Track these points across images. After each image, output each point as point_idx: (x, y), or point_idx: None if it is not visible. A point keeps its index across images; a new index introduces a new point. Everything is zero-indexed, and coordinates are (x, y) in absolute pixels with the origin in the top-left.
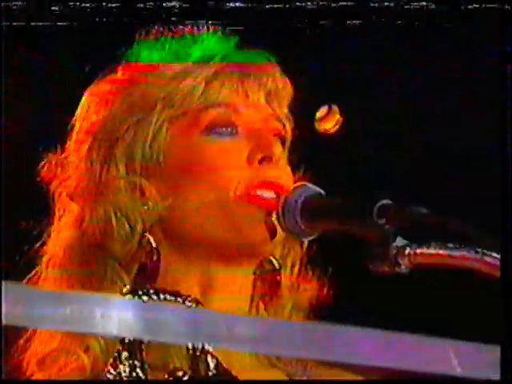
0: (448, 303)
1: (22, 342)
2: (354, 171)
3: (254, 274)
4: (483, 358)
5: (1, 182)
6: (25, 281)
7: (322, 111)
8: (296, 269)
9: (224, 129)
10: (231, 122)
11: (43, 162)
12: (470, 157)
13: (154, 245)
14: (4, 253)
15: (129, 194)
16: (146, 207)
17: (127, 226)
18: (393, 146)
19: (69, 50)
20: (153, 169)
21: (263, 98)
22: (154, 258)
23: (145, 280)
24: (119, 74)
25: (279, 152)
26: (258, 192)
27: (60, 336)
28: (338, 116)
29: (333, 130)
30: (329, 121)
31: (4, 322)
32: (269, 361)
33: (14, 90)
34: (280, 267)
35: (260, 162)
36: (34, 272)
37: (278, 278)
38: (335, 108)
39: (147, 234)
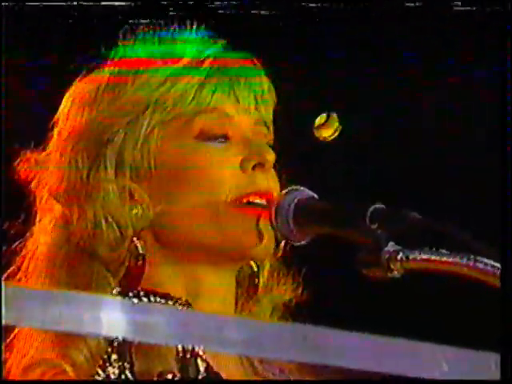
0: (432, 306)
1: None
2: (346, 175)
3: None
4: (481, 365)
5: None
6: (2, 279)
7: (320, 119)
8: (273, 270)
9: (216, 134)
10: (223, 127)
11: (20, 160)
12: (467, 163)
13: (140, 250)
14: None
15: (118, 198)
16: (135, 212)
17: (117, 231)
18: (386, 149)
19: (51, 45)
20: (143, 173)
21: (253, 102)
22: (139, 263)
23: (129, 284)
24: (105, 72)
25: (272, 159)
26: (251, 199)
27: (37, 346)
28: (337, 124)
29: (332, 138)
30: (328, 128)
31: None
32: (251, 365)
33: None
34: (258, 269)
35: (253, 168)
36: (10, 270)
37: (257, 280)
38: (334, 116)
39: (135, 239)
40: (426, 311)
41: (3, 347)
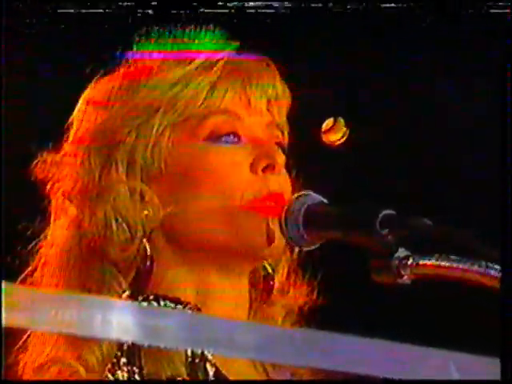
0: (445, 312)
1: (15, 351)
2: (356, 180)
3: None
4: (483, 370)
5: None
6: (18, 280)
7: (327, 123)
8: (287, 273)
9: (227, 136)
10: (234, 129)
11: (37, 161)
12: (477, 166)
13: (148, 252)
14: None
15: (129, 199)
16: (146, 213)
17: (127, 231)
18: (396, 156)
19: (67, 48)
20: (154, 174)
21: (265, 105)
22: (148, 264)
23: (138, 286)
24: (120, 74)
25: (282, 160)
26: (263, 204)
27: (52, 345)
28: (344, 128)
29: (339, 143)
30: (335, 133)
31: (3, 323)
32: (264, 370)
33: (8, 88)
34: (273, 272)
35: (263, 170)
36: (27, 271)
37: (272, 282)
38: (341, 120)
39: (144, 240)
40: (441, 317)
41: (15, 350)
